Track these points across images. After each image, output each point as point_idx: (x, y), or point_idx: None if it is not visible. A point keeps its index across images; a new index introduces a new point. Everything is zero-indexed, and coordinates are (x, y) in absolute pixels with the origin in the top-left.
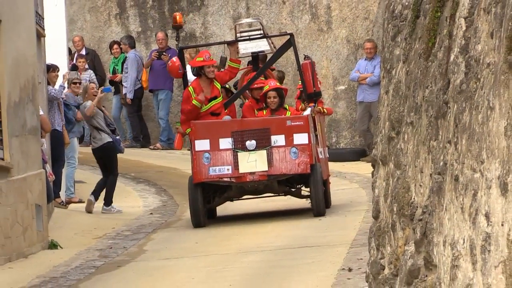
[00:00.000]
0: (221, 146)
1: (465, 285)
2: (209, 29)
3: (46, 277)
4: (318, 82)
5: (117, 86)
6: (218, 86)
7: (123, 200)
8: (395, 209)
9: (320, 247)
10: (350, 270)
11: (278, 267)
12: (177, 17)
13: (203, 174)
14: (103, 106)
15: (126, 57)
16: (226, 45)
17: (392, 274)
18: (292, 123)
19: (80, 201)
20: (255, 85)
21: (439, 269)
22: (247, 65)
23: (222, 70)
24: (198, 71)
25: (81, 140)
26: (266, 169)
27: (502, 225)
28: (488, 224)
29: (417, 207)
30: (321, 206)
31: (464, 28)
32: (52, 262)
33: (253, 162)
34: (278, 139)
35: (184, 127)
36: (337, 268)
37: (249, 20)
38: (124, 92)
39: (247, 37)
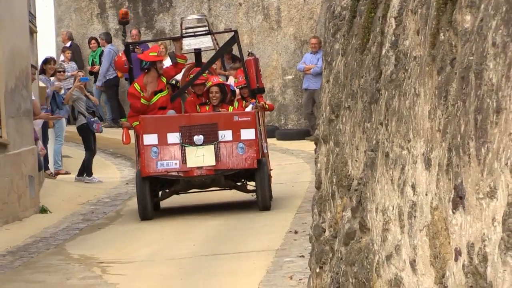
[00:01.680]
0: (169, 141)
1: (394, 246)
2: (176, 27)
3: (37, 237)
4: (261, 78)
5: (96, 76)
6: (164, 80)
7: (103, 172)
8: (334, 180)
9: (270, 213)
10: (296, 232)
11: (235, 230)
12: (123, 12)
13: (151, 168)
14: (89, 92)
15: (102, 50)
16: (172, 41)
17: (332, 236)
18: (240, 119)
19: (67, 173)
20: (197, 81)
21: (372, 232)
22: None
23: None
24: (150, 65)
25: (69, 121)
26: (214, 163)
27: (426, 194)
28: (414, 194)
29: (353, 179)
30: (267, 200)
31: (394, 26)
32: (43, 225)
33: (200, 157)
34: (225, 134)
35: (131, 121)
36: (285, 231)
37: (195, 16)
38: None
39: (192, 33)
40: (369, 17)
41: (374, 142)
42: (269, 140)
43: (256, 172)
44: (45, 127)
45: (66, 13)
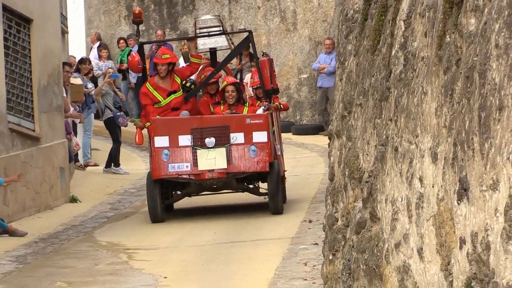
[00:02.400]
0: (181, 143)
1: (402, 235)
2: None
3: (68, 225)
4: (276, 79)
5: (124, 73)
6: (178, 81)
7: (129, 164)
8: (346, 173)
9: (286, 203)
10: (310, 221)
11: (252, 220)
12: (136, 11)
13: (162, 171)
14: (117, 88)
15: (131, 50)
16: (186, 41)
17: (344, 225)
18: (252, 121)
19: (95, 165)
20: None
21: (382, 222)
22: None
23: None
24: (154, 69)
25: (97, 116)
26: (225, 166)
27: (433, 186)
28: (421, 186)
29: (364, 171)
30: (278, 204)
31: (403, 28)
32: (73, 213)
33: (212, 160)
34: (237, 137)
35: (144, 121)
36: (300, 220)
37: (208, 16)
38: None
39: (206, 33)
40: (380, 20)
41: (384, 137)
42: (285, 135)
43: (268, 175)
44: (74, 122)
45: (95, 15)
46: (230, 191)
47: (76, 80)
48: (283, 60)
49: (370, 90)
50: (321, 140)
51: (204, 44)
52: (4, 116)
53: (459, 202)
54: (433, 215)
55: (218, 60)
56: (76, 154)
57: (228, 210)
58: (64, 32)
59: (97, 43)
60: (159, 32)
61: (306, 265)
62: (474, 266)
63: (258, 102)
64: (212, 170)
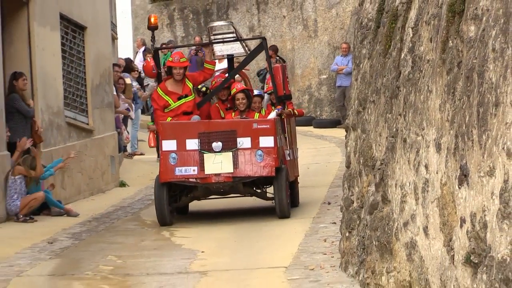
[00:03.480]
0: (188, 147)
1: (410, 215)
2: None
3: (117, 206)
4: (288, 85)
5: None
6: (190, 85)
7: None
8: (361, 161)
9: (308, 188)
10: (329, 203)
11: None
12: (152, 18)
13: (169, 174)
14: None
15: (171, 53)
16: (202, 47)
17: (359, 207)
18: (259, 126)
19: (141, 154)
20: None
21: (392, 203)
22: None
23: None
24: (168, 72)
25: (143, 111)
26: (232, 170)
27: (437, 173)
28: (426, 172)
29: (376, 160)
30: (285, 209)
31: (411, 35)
32: (122, 196)
33: (218, 164)
34: (244, 142)
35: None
36: (320, 202)
37: (221, 23)
38: None
39: (221, 40)
40: (391, 27)
41: (394, 129)
42: (307, 128)
43: (275, 180)
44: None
45: (141, 23)
46: (238, 195)
47: (126, 79)
48: (305, 63)
49: (382, 89)
50: (339, 132)
51: (221, 50)
52: (62, 111)
53: (460, 186)
54: (437, 198)
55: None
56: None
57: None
58: (113, 38)
59: (142, 48)
60: (197, 38)
61: (325, 241)
62: (473, 242)
63: (272, 107)
64: (219, 174)
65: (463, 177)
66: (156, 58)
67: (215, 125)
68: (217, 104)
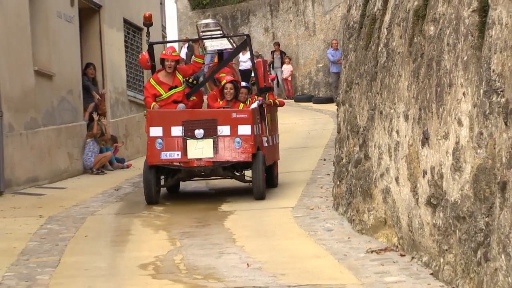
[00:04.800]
0: (173, 133)
1: (385, 168)
2: (251, 34)
3: None
4: (269, 78)
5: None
6: (180, 78)
7: None
8: (348, 128)
9: (307, 148)
10: (324, 160)
11: (286, 159)
12: (147, 15)
13: (155, 158)
14: None
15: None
16: (192, 42)
17: (346, 162)
18: (237, 116)
19: None
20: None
21: (372, 160)
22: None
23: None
24: (161, 63)
25: None
26: (212, 156)
27: (405, 137)
28: (397, 136)
29: (360, 127)
30: (261, 191)
31: (386, 33)
32: None
33: (200, 149)
34: (224, 129)
35: None
36: (318, 159)
37: (208, 21)
38: None
39: (209, 36)
40: (370, 28)
41: (373, 104)
42: (307, 104)
43: (252, 165)
44: None
45: (184, 25)
46: (218, 177)
47: None
48: (307, 55)
49: (364, 74)
50: (332, 107)
51: (211, 46)
52: (125, 91)
53: (422, 147)
54: (405, 155)
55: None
56: None
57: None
58: (163, 37)
59: (186, 44)
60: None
61: (322, 188)
62: (432, 189)
63: (256, 97)
64: (200, 159)
65: (425, 139)
66: (150, 52)
67: (198, 113)
68: (214, 92)
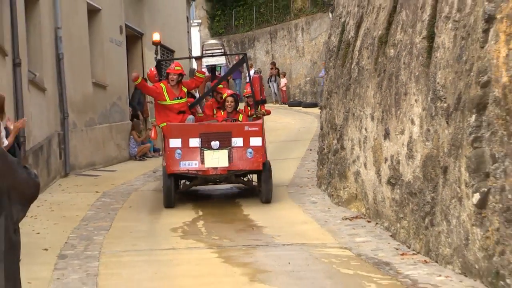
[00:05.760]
0: (191, 145)
1: (356, 156)
2: (256, 55)
3: None
4: (264, 92)
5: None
6: (185, 90)
7: None
8: (329, 126)
9: (298, 141)
10: (311, 150)
11: (282, 149)
12: (156, 36)
13: (175, 167)
14: None
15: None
16: (194, 59)
17: (327, 151)
18: (250, 129)
19: None
20: (219, 89)
21: (346, 150)
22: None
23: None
24: (166, 77)
25: None
26: (227, 165)
27: (372, 132)
28: (366, 132)
29: (338, 125)
30: (269, 196)
31: (357, 54)
32: None
33: (216, 159)
34: (237, 141)
35: (158, 122)
36: (305, 149)
37: (213, 41)
38: None
39: (210, 54)
40: (346, 51)
41: (347, 108)
42: (298, 108)
43: (262, 173)
44: None
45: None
46: (226, 183)
47: None
48: (297, 71)
49: (340, 85)
50: (316, 110)
51: (207, 61)
52: None
53: (384, 140)
54: (371, 146)
55: (217, 74)
56: None
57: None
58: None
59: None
60: (237, 58)
61: (309, 171)
62: (391, 172)
63: (249, 108)
64: (216, 168)
65: (386, 135)
66: (158, 68)
67: (214, 127)
68: (210, 102)
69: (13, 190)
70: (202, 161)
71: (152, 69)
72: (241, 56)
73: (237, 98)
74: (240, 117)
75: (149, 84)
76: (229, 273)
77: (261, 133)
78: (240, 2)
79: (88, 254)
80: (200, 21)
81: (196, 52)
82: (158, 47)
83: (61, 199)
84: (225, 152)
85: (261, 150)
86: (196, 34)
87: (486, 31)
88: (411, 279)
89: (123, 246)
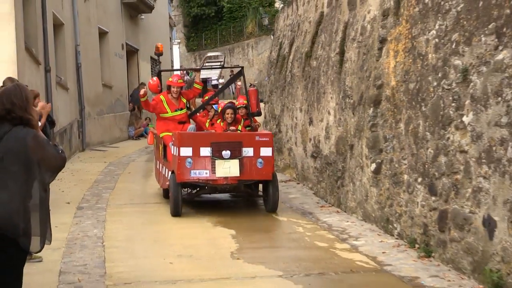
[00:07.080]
0: (202, 154)
1: (289, 137)
2: (248, 70)
3: None
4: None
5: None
6: (184, 101)
7: None
8: (270, 115)
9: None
10: None
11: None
12: (159, 47)
13: (185, 176)
14: None
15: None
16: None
17: (273, 133)
18: (260, 139)
19: None
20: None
21: (282, 133)
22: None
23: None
24: (167, 88)
25: None
26: (238, 175)
27: (300, 120)
28: (296, 120)
29: (276, 114)
30: (276, 206)
31: (290, 65)
32: None
33: (227, 169)
34: (248, 151)
35: (158, 132)
36: None
37: (216, 53)
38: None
39: (209, 67)
40: (282, 62)
41: (283, 103)
42: None
43: (271, 183)
44: None
45: (183, 61)
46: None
47: None
48: (249, 77)
49: (278, 87)
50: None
51: (202, 74)
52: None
53: (309, 125)
54: (300, 130)
55: (208, 87)
56: None
57: None
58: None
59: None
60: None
61: None
62: (314, 148)
63: (243, 120)
64: (227, 177)
65: (310, 122)
66: (160, 77)
67: (225, 136)
68: (203, 114)
69: (42, 161)
70: (213, 170)
71: (154, 79)
72: (238, 70)
73: (236, 108)
74: (239, 127)
75: (151, 90)
76: (199, 219)
77: (271, 143)
78: (208, 27)
79: (98, 206)
80: (179, 40)
81: (176, 64)
82: (159, 57)
83: (79, 167)
84: (236, 162)
85: (271, 160)
86: (176, 50)
87: (380, 49)
88: (327, 224)
89: (123, 200)
